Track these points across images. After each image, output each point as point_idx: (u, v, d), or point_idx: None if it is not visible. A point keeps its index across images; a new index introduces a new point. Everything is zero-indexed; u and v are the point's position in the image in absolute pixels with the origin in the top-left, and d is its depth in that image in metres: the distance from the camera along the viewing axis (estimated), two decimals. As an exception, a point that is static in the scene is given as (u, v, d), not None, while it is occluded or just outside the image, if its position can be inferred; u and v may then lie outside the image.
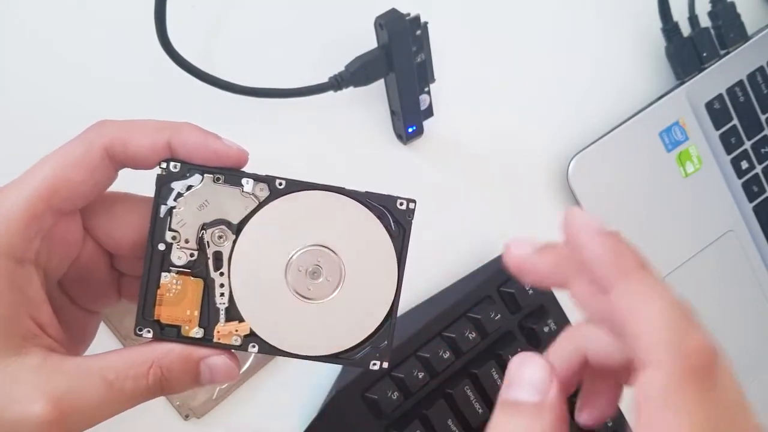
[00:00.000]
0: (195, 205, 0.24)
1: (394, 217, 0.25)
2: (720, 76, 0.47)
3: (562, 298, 0.43)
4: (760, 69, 0.48)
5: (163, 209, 0.24)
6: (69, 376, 0.22)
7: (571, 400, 0.44)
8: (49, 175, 0.22)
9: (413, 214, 0.25)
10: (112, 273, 0.27)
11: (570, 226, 0.22)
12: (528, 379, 0.21)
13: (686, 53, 0.47)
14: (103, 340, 0.36)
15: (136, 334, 0.25)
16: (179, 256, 0.24)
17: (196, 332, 0.24)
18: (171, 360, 0.23)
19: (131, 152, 0.23)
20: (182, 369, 0.24)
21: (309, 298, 0.25)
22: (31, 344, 0.22)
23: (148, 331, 0.25)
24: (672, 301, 0.19)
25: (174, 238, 0.24)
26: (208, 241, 0.24)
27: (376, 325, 0.25)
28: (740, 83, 0.48)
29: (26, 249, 0.22)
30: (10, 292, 0.22)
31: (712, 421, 0.18)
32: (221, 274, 0.24)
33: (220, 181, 0.25)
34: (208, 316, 0.24)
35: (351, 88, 0.39)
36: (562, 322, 0.43)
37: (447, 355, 0.39)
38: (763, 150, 0.49)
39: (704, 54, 0.47)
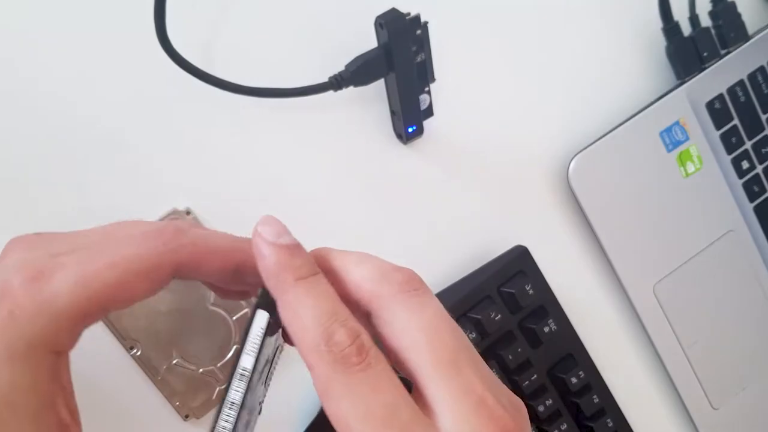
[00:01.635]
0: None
1: None
2: (721, 76, 0.47)
3: (563, 298, 0.43)
4: (761, 69, 0.48)
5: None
6: None
7: (567, 399, 0.44)
8: (113, 282, 0.21)
9: None
10: None
11: (255, 231, 0.22)
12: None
13: (687, 53, 0.47)
14: (103, 339, 0.36)
15: None
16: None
17: None
18: None
19: (199, 274, 0.23)
20: None
21: None
22: None
23: None
24: (315, 313, 0.20)
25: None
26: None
27: None
28: (741, 83, 0.48)
29: (70, 345, 0.22)
30: (50, 385, 0.21)
31: None
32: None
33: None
34: None
35: (351, 88, 0.39)
36: (563, 322, 0.43)
37: (447, 355, 0.39)
38: (763, 150, 0.49)
39: (705, 54, 0.47)
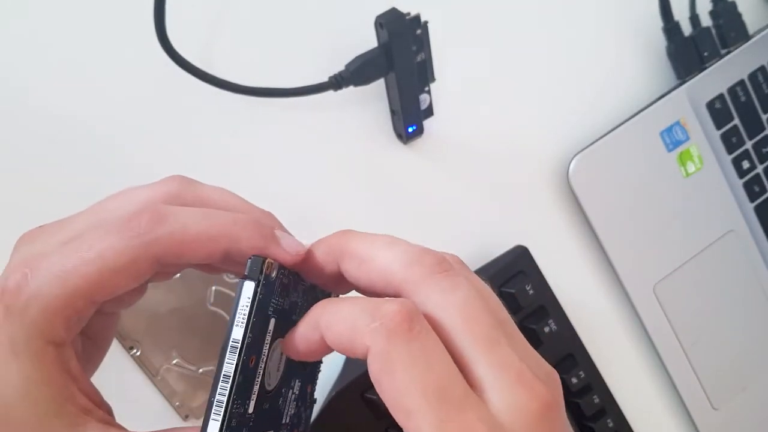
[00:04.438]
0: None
1: None
2: (721, 76, 0.47)
3: (563, 298, 0.43)
4: (761, 68, 0.48)
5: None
6: None
7: (567, 399, 0.44)
8: (94, 277, 0.21)
9: None
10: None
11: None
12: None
13: (687, 53, 0.47)
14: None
15: None
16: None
17: None
18: None
19: (184, 262, 0.22)
20: None
21: None
22: (87, 420, 0.22)
23: None
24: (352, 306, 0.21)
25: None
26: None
27: None
28: (741, 83, 0.47)
29: (67, 336, 0.22)
30: (60, 373, 0.21)
31: None
32: None
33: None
34: None
35: (351, 88, 0.39)
36: (563, 322, 0.43)
37: (447, 355, 0.39)
38: (764, 150, 0.48)
39: (705, 53, 0.47)
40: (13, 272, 0.21)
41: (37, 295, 0.21)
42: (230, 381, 0.20)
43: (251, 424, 0.21)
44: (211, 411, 0.20)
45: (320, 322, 0.21)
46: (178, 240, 0.21)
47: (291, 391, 0.24)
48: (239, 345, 0.20)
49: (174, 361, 0.38)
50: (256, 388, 0.21)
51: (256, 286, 0.20)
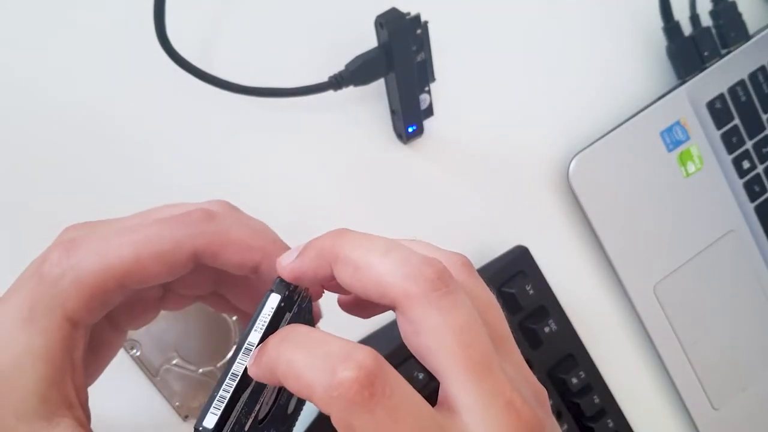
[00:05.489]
0: None
1: None
2: (721, 76, 0.47)
3: (563, 298, 0.43)
4: (762, 68, 0.48)
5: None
6: None
7: (568, 399, 0.44)
8: (130, 258, 0.22)
9: None
10: (160, 293, 0.26)
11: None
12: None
13: (687, 52, 0.47)
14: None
15: None
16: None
17: None
18: None
19: (218, 263, 0.23)
20: None
21: None
22: (65, 415, 0.21)
23: None
24: (307, 362, 0.20)
25: None
26: None
27: None
28: (741, 83, 0.47)
29: (86, 317, 0.22)
30: (62, 356, 0.22)
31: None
32: None
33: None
34: None
35: (351, 88, 0.39)
36: (563, 322, 0.43)
37: (447, 355, 0.39)
38: (764, 150, 0.48)
39: (705, 53, 0.47)
40: (56, 247, 0.22)
41: (74, 267, 0.21)
42: (237, 380, 0.20)
43: None
44: (211, 404, 0.20)
45: (277, 371, 0.20)
46: (220, 239, 0.23)
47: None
48: (253, 348, 0.21)
49: (174, 362, 0.38)
50: (257, 408, 0.22)
51: (281, 300, 0.21)
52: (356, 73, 0.38)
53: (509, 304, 0.42)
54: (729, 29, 0.47)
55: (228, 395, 0.20)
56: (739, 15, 0.48)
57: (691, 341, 0.47)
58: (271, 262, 0.23)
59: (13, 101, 0.36)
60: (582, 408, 0.43)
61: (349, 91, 0.39)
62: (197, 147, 0.39)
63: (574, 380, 0.43)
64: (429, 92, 0.41)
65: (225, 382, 0.20)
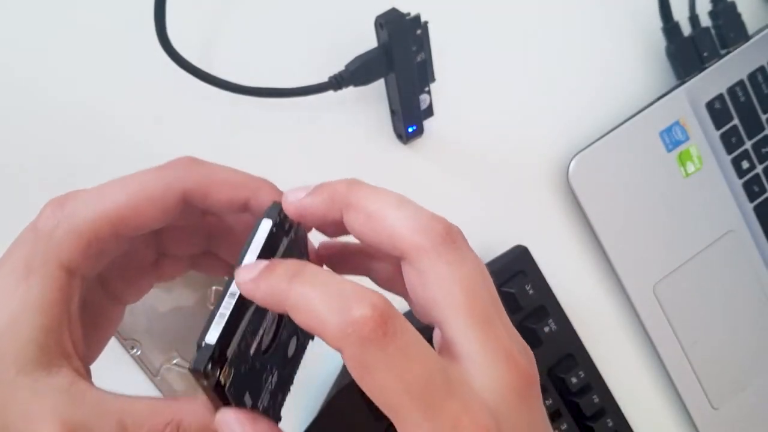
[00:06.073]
0: None
1: None
2: (720, 76, 0.47)
3: (563, 298, 0.43)
4: (761, 69, 0.48)
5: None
6: (89, 409, 0.21)
7: (567, 399, 0.44)
8: (122, 203, 0.22)
9: None
10: (153, 256, 0.26)
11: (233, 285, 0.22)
12: None
13: (687, 53, 0.47)
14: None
15: (197, 370, 0.19)
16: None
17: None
18: (190, 423, 0.23)
19: (207, 203, 0.24)
20: None
21: None
22: (63, 364, 0.22)
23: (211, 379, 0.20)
24: (324, 299, 0.20)
25: None
26: None
27: None
28: (741, 83, 0.47)
29: (83, 265, 0.22)
30: (59, 306, 0.22)
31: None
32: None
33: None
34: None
35: (351, 88, 0.39)
36: (563, 322, 0.43)
37: (447, 355, 0.39)
38: (763, 150, 0.48)
39: (705, 54, 0.47)
40: (49, 203, 0.23)
41: (68, 217, 0.22)
42: (235, 299, 0.20)
43: (248, 366, 0.21)
44: (211, 322, 0.20)
45: (286, 302, 0.20)
46: (209, 179, 0.23)
47: (271, 376, 0.24)
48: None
49: (174, 361, 0.38)
50: (261, 333, 0.22)
51: (273, 224, 0.21)
52: (356, 74, 0.38)
53: (509, 303, 0.42)
54: (728, 30, 0.47)
55: (228, 313, 0.20)
56: (739, 15, 0.48)
57: (691, 341, 0.47)
58: (259, 199, 0.24)
59: (13, 101, 0.36)
60: (581, 408, 0.43)
61: (349, 92, 0.39)
62: (197, 147, 0.39)
63: (574, 380, 0.43)
64: (429, 92, 0.41)
65: (223, 302, 0.20)
